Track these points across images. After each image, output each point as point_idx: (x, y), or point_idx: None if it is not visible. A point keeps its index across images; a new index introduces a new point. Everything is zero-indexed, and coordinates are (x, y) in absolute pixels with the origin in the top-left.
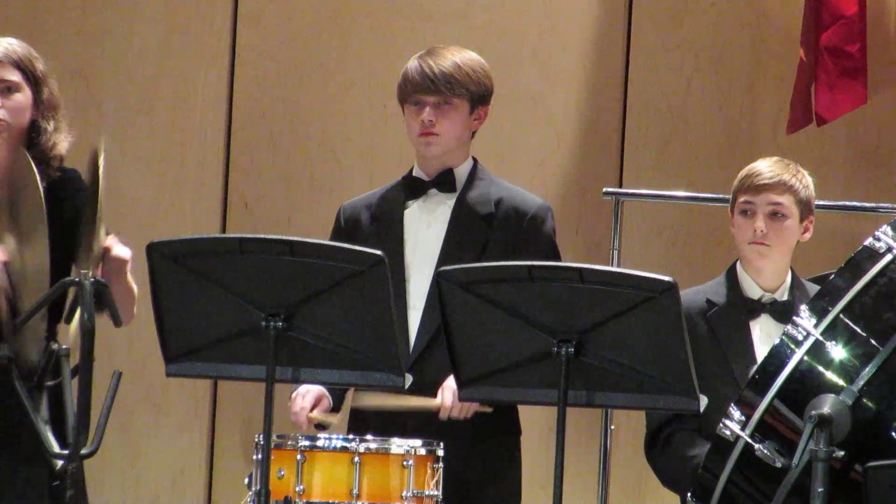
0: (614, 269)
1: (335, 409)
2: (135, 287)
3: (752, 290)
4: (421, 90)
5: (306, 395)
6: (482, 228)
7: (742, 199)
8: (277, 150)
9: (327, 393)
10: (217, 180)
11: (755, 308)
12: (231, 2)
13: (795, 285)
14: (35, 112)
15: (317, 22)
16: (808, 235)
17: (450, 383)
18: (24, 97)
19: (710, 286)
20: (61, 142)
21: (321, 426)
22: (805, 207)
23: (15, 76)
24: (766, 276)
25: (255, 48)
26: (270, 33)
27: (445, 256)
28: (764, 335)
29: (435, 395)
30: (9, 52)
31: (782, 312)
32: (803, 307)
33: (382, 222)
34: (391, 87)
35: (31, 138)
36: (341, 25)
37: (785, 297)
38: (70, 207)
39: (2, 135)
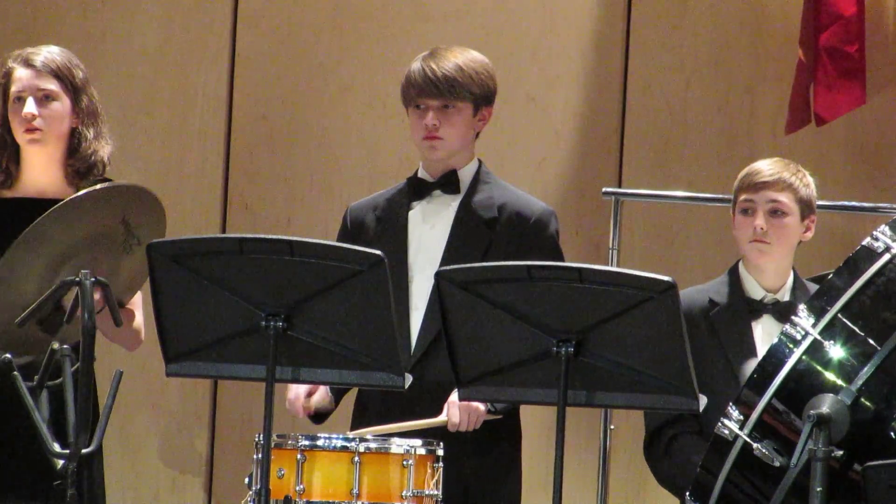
0: (614, 269)
1: (336, 400)
2: (141, 328)
3: (755, 290)
4: (424, 93)
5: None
6: (485, 232)
7: (742, 197)
8: (277, 150)
9: (329, 395)
10: (217, 180)
11: (757, 308)
12: (231, 2)
13: (797, 286)
14: (75, 120)
15: (317, 22)
16: (809, 235)
17: (455, 398)
18: (61, 106)
19: (712, 286)
20: (102, 149)
21: (319, 414)
22: (806, 206)
23: (53, 85)
24: (768, 276)
25: (255, 48)
26: (270, 33)
27: (448, 259)
28: (766, 335)
29: (436, 396)
30: (47, 61)
31: (784, 312)
32: (801, 306)
33: (387, 223)
34: (391, 87)
35: (72, 146)
36: (341, 25)
37: (787, 298)
38: None
39: (39, 143)
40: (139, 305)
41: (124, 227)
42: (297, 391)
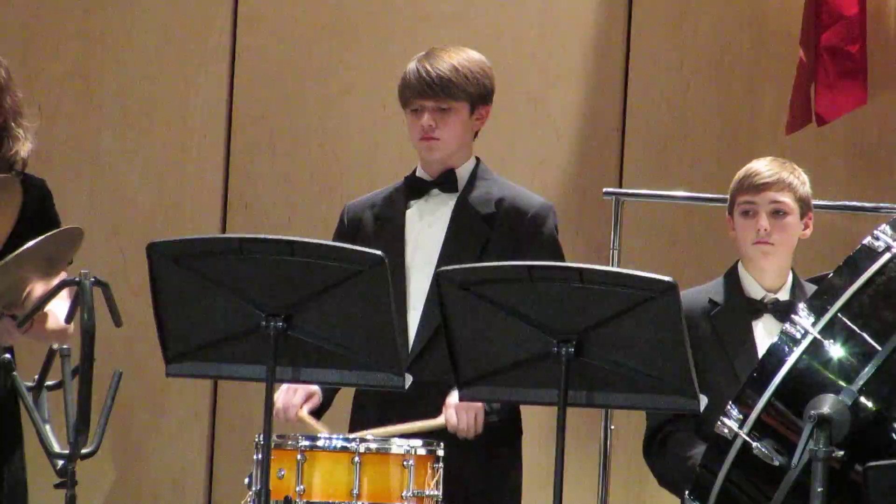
0: (614, 269)
1: (325, 403)
2: (60, 322)
3: (755, 289)
4: (419, 95)
5: (297, 391)
6: (483, 228)
7: (742, 199)
8: (277, 150)
9: (318, 389)
10: (217, 180)
11: (758, 308)
12: (231, 2)
13: (796, 285)
14: (1, 119)
15: (317, 22)
16: (808, 232)
17: (452, 400)
18: None
19: (711, 286)
20: (22, 148)
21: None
22: (804, 204)
23: None
24: (768, 276)
25: (255, 48)
26: (270, 33)
27: (445, 256)
28: (767, 335)
29: (433, 395)
30: None
31: (785, 312)
32: (801, 305)
33: (384, 222)
34: (391, 87)
35: None
36: (341, 25)
37: (786, 297)
38: (28, 209)
39: None
40: (61, 308)
41: (48, 262)
42: (293, 400)
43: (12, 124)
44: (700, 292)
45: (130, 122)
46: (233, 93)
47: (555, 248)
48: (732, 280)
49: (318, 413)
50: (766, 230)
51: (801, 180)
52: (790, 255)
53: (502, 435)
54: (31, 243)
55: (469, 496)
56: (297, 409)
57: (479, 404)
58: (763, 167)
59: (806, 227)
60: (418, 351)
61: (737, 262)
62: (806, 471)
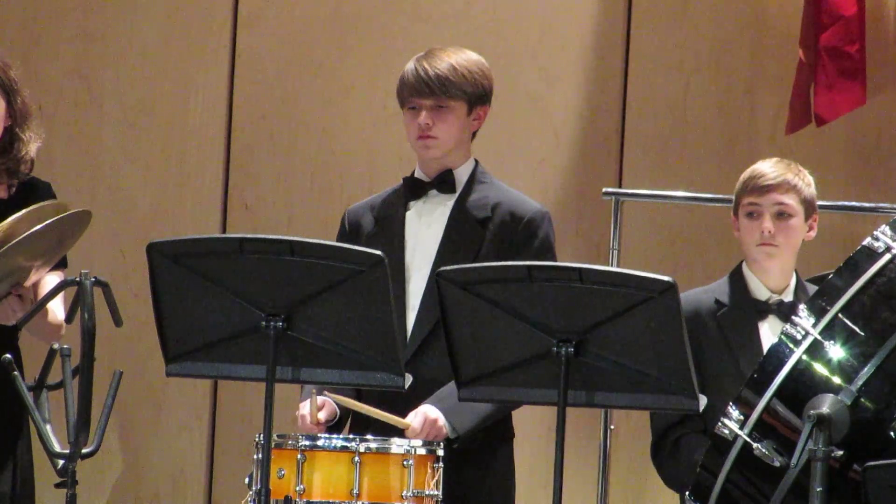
0: (614, 269)
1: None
2: (58, 317)
3: (760, 291)
4: (416, 93)
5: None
6: (478, 232)
7: (747, 200)
8: (277, 150)
9: (335, 405)
10: (217, 180)
11: (763, 309)
12: (231, 2)
13: (799, 286)
14: (9, 121)
15: (317, 22)
16: (812, 234)
17: (425, 409)
18: None
19: (716, 287)
20: (31, 148)
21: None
22: (809, 206)
23: None
24: (773, 277)
25: (255, 48)
26: (270, 33)
27: (441, 259)
28: (773, 336)
29: (428, 394)
30: None
31: (789, 313)
32: (802, 306)
33: (384, 223)
34: (391, 87)
35: (5, 146)
36: (341, 26)
37: (790, 298)
38: None
39: None
40: (58, 302)
41: (58, 243)
42: (302, 411)
43: (19, 128)
44: (706, 292)
45: (130, 122)
46: (233, 93)
47: (548, 254)
48: (737, 281)
49: (334, 428)
50: (770, 232)
51: (805, 182)
52: (794, 257)
53: (494, 441)
54: (41, 225)
55: (458, 499)
56: (313, 417)
57: (445, 430)
58: (768, 168)
59: (810, 228)
60: (414, 349)
61: (741, 263)
62: (805, 470)
